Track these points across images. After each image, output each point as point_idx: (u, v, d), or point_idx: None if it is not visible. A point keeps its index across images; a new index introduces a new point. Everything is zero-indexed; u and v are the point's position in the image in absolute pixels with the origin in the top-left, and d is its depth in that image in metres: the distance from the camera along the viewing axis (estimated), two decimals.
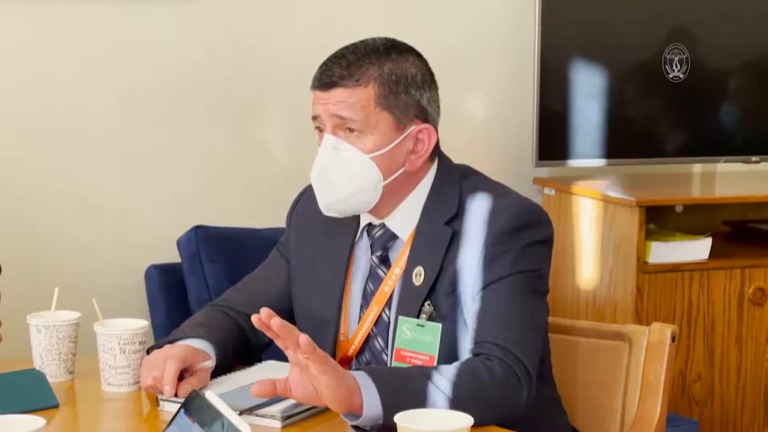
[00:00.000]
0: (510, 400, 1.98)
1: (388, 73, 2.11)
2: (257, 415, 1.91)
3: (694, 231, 3.62)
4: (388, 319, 2.15)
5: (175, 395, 2.01)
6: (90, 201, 3.37)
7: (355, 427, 1.88)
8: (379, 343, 2.17)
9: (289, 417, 1.92)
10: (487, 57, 3.81)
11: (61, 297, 2.20)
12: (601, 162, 3.82)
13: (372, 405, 1.85)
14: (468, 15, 3.78)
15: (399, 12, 3.66)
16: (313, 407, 1.93)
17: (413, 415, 1.68)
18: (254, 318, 1.83)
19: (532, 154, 3.70)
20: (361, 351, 2.18)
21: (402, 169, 2.14)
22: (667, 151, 3.90)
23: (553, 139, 3.72)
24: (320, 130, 2.15)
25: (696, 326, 3.53)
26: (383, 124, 2.11)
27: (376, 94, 2.10)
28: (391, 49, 2.14)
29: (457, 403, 1.88)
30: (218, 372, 2.13)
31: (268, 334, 1.83)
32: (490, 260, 2.07)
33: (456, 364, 1.99)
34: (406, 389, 1.90)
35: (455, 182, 2.18)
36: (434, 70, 2.20)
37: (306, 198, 2.31)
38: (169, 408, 1.99)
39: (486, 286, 2.07)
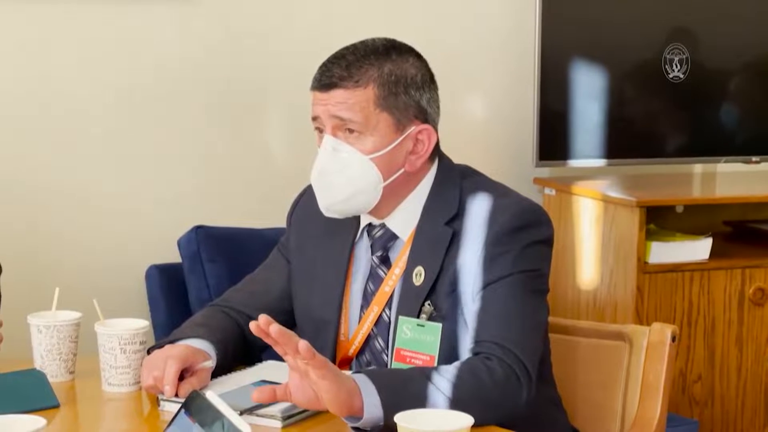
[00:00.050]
0: (510, 400, 1.98)
1: (387, 74, 2.11)
2: (258, 415, 1.91)
3: (694, 231, 3.62)
4: (389, 319, 2.15)
5: (176, 395, 2.01)
6: (90, 201, 3.37)
7: (356, 428, 1.88)
8: (379, 343, 2.17)
9: (289, 417, 1.92)
10: (487, 57, 3.81)
11: (61, 297, 2.20)
12: (601, 162, 3.81)
13: (372, 407, 1.85)
14: (468, 15, 3.78)
15: (399, 12, 3.66)
16: None
17: (413, 415, 1.68)
18: (252, 325, 1.83)
19: (533, 154, 3.70)
20: (361, 351, 2.18)
21: (402, 170, 2.14)
22: (667, 152, 3.90)
23: (553, 139, 3.72)
24: (320, 130, 2.15)
25: (696, 326, 3.53)
26: (383, 125, 2.11)
27: (376, 95, 2.10)
28: (390, 50, 2.14)
29: (457, 403, 1.88)
30: (219, 372, 2.13)
31: (267, 341, 1.82)
32: (490, 260, 2.07)
33: (456, 364, 1.99)
34: (406, 390, 1.90)
35: (455, 182, 2.18)
36: (434, 70, 2.20)
37: (306, 198, 2.31)
38: (170, 408, 1.99)
39: (486, 285, 2.07)
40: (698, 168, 4.11)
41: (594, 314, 3.59)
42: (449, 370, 1.96)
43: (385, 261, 2.18)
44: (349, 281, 2.21)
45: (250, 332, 2.18)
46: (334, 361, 2.19)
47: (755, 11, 3.92)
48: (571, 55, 3.73)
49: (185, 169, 3.47)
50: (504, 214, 2.10)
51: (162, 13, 3.40)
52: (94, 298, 2.20)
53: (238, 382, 2.08)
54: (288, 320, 2.26)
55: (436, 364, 2.06)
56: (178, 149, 3.46)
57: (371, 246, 2.20)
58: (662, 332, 2.24)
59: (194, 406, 1.56)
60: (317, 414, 1.93)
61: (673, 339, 2.24)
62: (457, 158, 2.25)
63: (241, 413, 1.85)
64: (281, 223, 2.40)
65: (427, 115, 2.15)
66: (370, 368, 2.12)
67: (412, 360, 2.10)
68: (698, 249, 3.55)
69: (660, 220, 3.64)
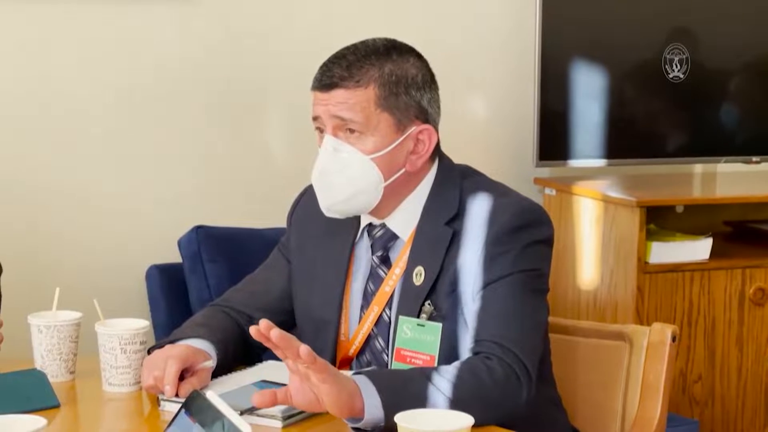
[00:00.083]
0: (510, 399, 1.98)
1: (388, 74, 2.11)
2: (258, 415, 1.91)
3: (694, 231, 3.62)
4: (389, 319, 2.15)
5: (176, 395, 2.01)
6: (90, 201, 3.37)
7: (356, 429, 1.88)
8: (379, 343, 2.17)
9: (289, 417, 1.92)
10: (487, 57, 3.81)
11: (62, 297, 2.20)
12: (601, 162, 3.81)
13: (373, 408, 1.85)
14: (468, 15, 3.78)
15: (399, 12, 3.66)
16: None
17: (414, 415, 1.68)
18: (253, 329, 1.82)
19: (533, 154, 3.70)
20: (361, 351, 2.18)
21: (403, 170, 2.14)
22: (667, 152, 3.90)
23: (553, 139, 3.72)
24: (321, 130, 2.15)
25: (696, 326, 3.53)
26: (384, 125, 2.11)
27: (377, 95, 2.10)
28: (391, 50, 2.14)
29: (457, 403, 1.88)
30: (219, 372, 2.13)
31: (267, 345, 1.82)
32: (490, 259, 2.07)
33: (456, 363, 1.99)
34: (406, 391, 1.90)
35: (456, 182, 2.18)
36: (434, 70, 2.19)
37: (307, 198, 2.31)
38: (170, 408, 1.99)
39: (486, 285, 2.07)
40: (698, 168, 4.11)
41: (594, 314, 3.59)
42: (449, 370, 1.96)
43: (386, 261, 2.18)
44: (349, 281, 2.21)
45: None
46: (334, 361, 2.19)
47: (755, 11, 3.92)
48: (571, 55, 3.73)
49: (185, 169, 3.47)
50: (504, 214, 2.10)
51: (162, 13, 3.40)
52: (94, 298, 2.20)
53: (239, 382, 2.08)
54: (288, 320, 2.27)
55: (436, 364, 2.06)
56: (178, 149, 3.46)
57: (371, 246, 2.20)
58: (662, 332, 2.24)
59: (195, 406, 1.56)
60: (317, 414, 1.93)
61: (674, 339, 2.24)
62: (457, 158, 2.25)
63: (242, 413, 1.85)
64: (281, 223, 2.40)
65: (427, 115, 2.15)
66: (370, 369, 2.12)
67: (413, 360, 2.10)
68: (698, 249, 3.55)
69: (660, 220, 3.64)
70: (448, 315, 2.09)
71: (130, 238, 3.41)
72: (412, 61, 2.15)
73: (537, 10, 3.64)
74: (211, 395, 1.53)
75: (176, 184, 3.46)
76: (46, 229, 3.33)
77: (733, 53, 3.91)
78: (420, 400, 1.88)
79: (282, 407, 1.92)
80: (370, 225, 2.20)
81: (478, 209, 2.12)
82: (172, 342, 2.13)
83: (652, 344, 2.24)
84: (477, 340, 2.03)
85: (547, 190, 3.79)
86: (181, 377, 2.04)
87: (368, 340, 2.18)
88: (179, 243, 3.33)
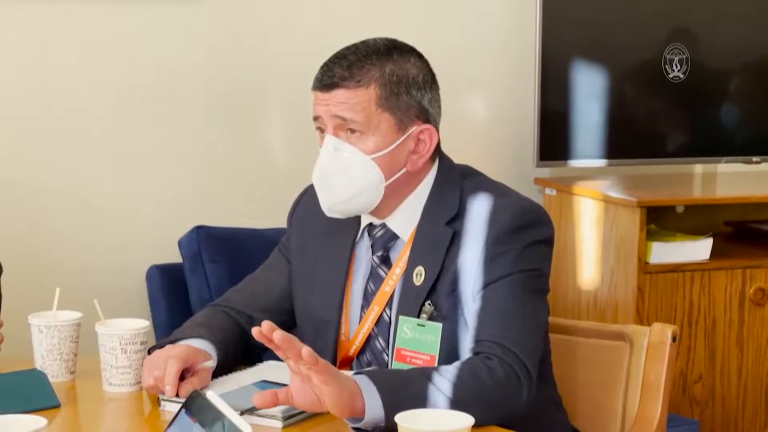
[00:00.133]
0: (510, 399, 1.98)
1: (389, 74, 2.11)
2: (258, 415, 1.91)
3: (695, 231, 3.62)
4: (389, 319, 2.15)
5: (177, 395, 2.01)
6: (90, 201, 3.37)
7: (357, 429, 1.88)
8: (380, 343, 2.17)
9: (290, 417, 1.92)
10: (487, 57, 3.81)
11: (62, 297, 2.20)
12: (602, 162, 3.81)
13: (374, 408, 1.85)
14: (468, 15, 3.78)
15: (399, 12, 3.66)
16: None
17: (414, 415, 1.68)
18: (255, 331, 1.82)
19: (533, 154, 3.70)
20: (362, 351, 2.18)
21: (403, 170, 2.14)
22: (668, 152, 3.90)
23: (553, 139, 3.72)
24: (321, 130, 2.15)
25: (697, 326, 3.53)
26: (384, 125, 2.11)
27: (378, 95, 2.10)
28: (392, 50, 2.14)
29: (457, 403, 1.88)
30: (219, 372, 2.13)
31: (269, 346, 1.82)
32: (490, 259, 2.07)
33: (456, 364, 1.99)
34: (407, 391, 1.90)
35: (456, 182, 2.18)
36: (435, 70, 2.20)
37: (307, 198, 2.31)
38: (171, 408, 1.99)
39: (486, 285, 2.07)
40: (699, 168, 4.11)
41: (594, 314, 3.59)
42: (449, 370, 1.96)
43: (386, 261, 2.18)
44: (349, 281, 2.21)
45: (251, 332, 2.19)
46: (334, 361, 2.19)
47: (755, 11, 3.92)
48: (572, 55, 3.73)
49: (185, 169, 3.47)
50: (504, 214, 2.10)
51: (162, 13, 3.40)
52: (94, 298, 2.20)
53: (239, 382, 2.08)
54: (289, 320, 2.27)
55: (436, 364, 2.06)
56: (178, 149, 3.46)
57: (372, 246, 2.20)
58: (663, 332, 2.24)
59: (195, 406, 1.56)
60: (318, 414, 1.93)
61: (674, 339, 2.24)
62: (457, 158, 2.25)
63: (242, 413, 1.85)
64: (282, 223, 2.40)
65: (428, 115, 2.15)
66: (370, 369, 2.12)
67: (413, 360, 2.10)
68: (699, 249, 3.55)
69: (660, 220, 3.64)
70: (448, 315, 2.09)
71: (131, 238, 3.41)
72: (413, 61, 2.15)
73: (537, 10, 3.64)
74: (212, 395, 1.53)
75: (176, 184, 3.46)
76: (47, 229, 3.33)
77: (733, 53, 3.91)
78: (420, 400, 1.88)
79: (282, 407, 1.92)
80: (370, 225, 2.20)
81: (479, 209, 2.12)
82: (172, 342, 2.13)
83: (653, 344, 2.24)
84: (477, 340, 2.03)
85: (548, 191, 3.79)
86: (182, 377, 2.04)
87: (368, 340, 2.18)
88: (179, 243, 3.33)
